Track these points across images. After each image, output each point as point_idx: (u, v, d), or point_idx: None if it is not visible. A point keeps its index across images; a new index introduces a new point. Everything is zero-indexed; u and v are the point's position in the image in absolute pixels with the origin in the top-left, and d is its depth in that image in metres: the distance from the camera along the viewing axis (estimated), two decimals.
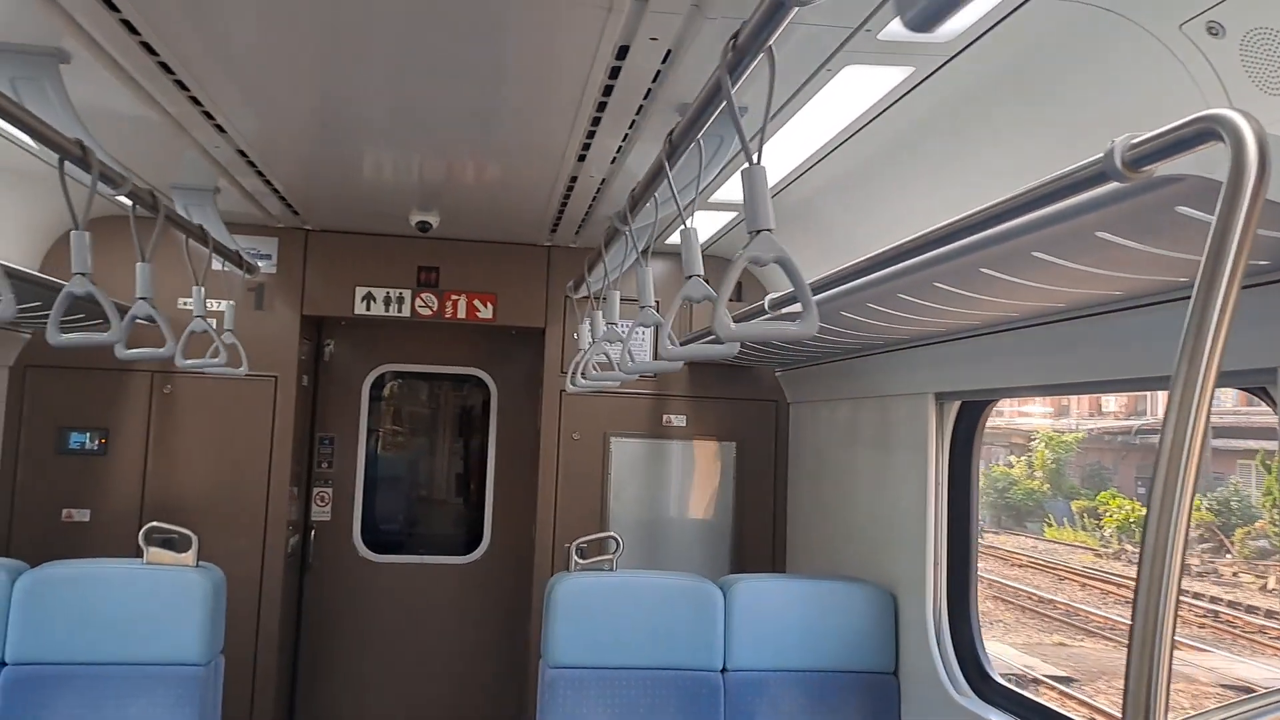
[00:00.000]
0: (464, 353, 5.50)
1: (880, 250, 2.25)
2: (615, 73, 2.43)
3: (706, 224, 4.23)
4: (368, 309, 4.87)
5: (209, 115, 2.88)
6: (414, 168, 3.61)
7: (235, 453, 4.67)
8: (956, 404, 3.48)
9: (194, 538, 3.49)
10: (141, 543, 3.49)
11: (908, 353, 3.59)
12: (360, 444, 5.38)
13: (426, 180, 3.77)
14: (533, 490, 5.09)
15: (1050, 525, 22.55)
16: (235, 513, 4.64)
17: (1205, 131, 1.10)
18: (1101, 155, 1.34)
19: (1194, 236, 1.61)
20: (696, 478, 5.07)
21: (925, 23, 1.13)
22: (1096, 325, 2.53)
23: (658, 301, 2.85)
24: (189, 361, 3.49)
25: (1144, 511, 0.93)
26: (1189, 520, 0.90)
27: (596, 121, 2.84)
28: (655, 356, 4.77)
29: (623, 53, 2.29)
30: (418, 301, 4.91)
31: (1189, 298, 0.92)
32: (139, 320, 2.81)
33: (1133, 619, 0.90)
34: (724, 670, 3.60)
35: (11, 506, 4.46)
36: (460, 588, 5.43)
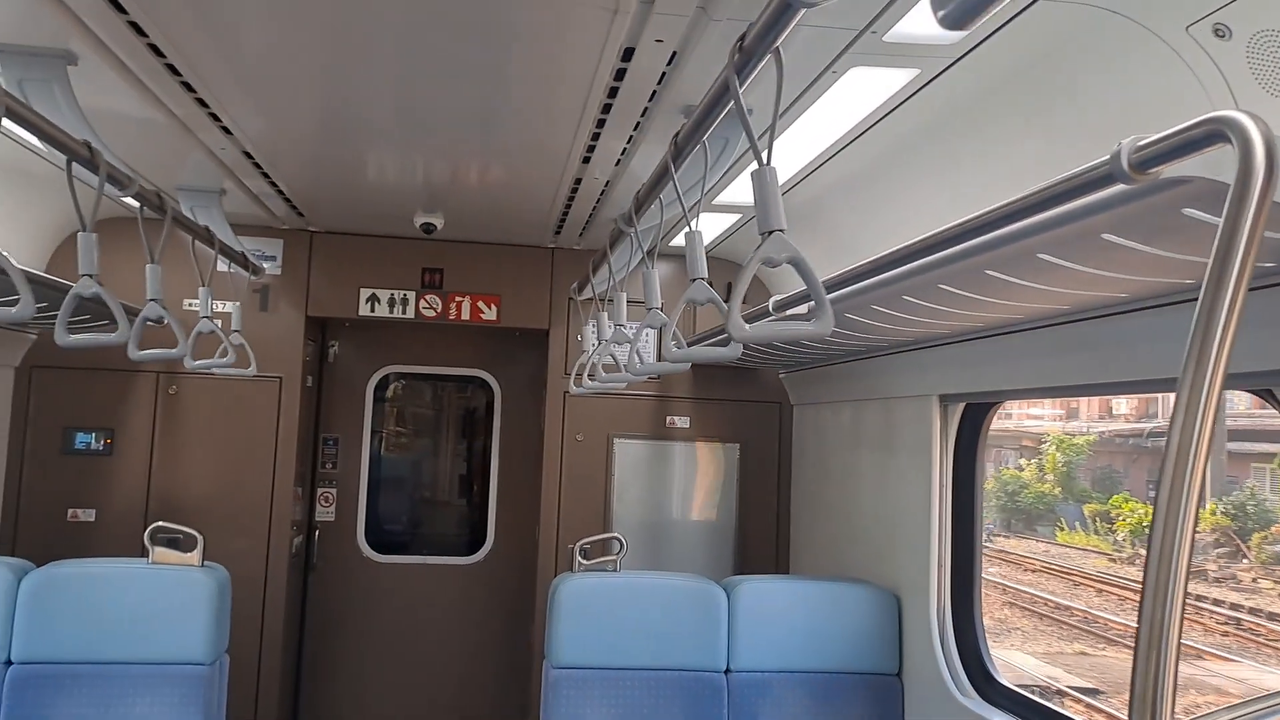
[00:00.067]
0: (468, 354, 5.51)
1: (885, 252, 2.26)
2: (620, 75, 2.43)
3: (711, 226, 4.23)
4: (372, 310, 4.88)
5: (215, 117, 2.89)
6: (419, 169, 3.62)
7: (240, 453, 4.68)
8: (961, 406, 3.48)
9: (199, 537, 3.50)
10: (147, 542, 3.50)
11: (912, 354, 3.59)
12: (364, 445, 5.39)
13: (431, 182, 3.78)
14: (536, 491, 5.09)
15: (1062, 529, 22.41)
16: (240, 513, 4.65)
17: (1213, 133, 1.10)
18: (1108, 157, 1.35)
19: (1201, 239, 1.61)
20: (700, 479, 5.07)
21: (960, 20, 1.14)
22: (1102, 327, 2.53)
23: (662, 303, 2.85)
24: (198, 362, 3.50)
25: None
26: (1195, 522, 0.90)
27: (601, 124, 2.84)
28: (659, 358, 4.78)
29: (628, 55, 2.30)
30: (422, 303, 4.91)
31: (1195, 300, 0.92)
32: (149, 321, 2.82)
33: (1139, 620, 0.91)
34: (727, 671, 3.60)
35: (17, 506, 4.47)
36: (464, 588, 5.43)
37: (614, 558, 3.74)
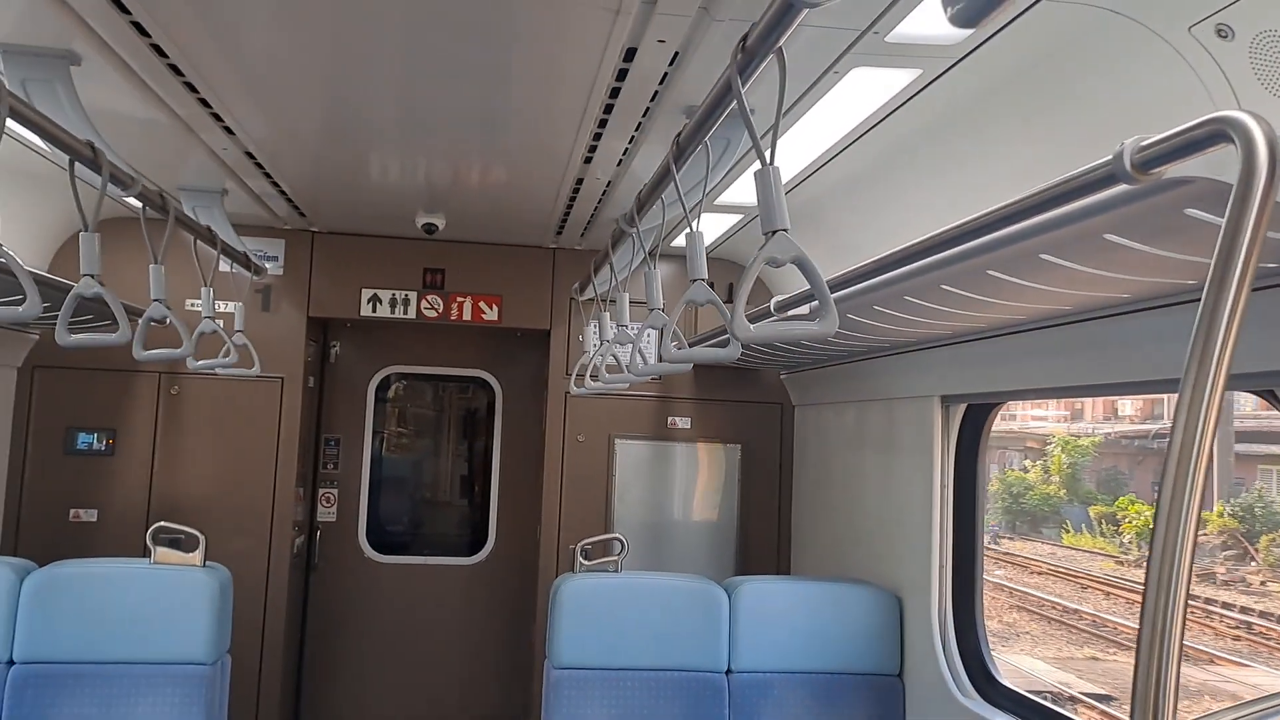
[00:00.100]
0: (469, 354, 5.51)
1: (887, 252, 2.25)
2: (622, 75, 2.43)
3: (713, 226, 4.23)
4: (374, 311, 4.88)
5: (217, 117, 2.89)
6: (420, 170, 3.62)
7: (242, 453, 4.69)
8: (962, 407, 3.48)
9: (201, 538, 3.50)
10: (149, 542, 3.50)
11: (913, 355, 3.59)
12: (366, 445, 5.39)
13: (432, 182, 3.78)
14: (537, 492, 5.09)
15: (1068, 531, 22.31)
16: (242, 513, 4.65)
17: (1215, 133, 1.10)
18: (1110, 157, 1.35)
19: (1203, 239, 1.60)
20: (701, 480, 5.07)
21: (971, 18, 1.14)
22: (1104, 328, 2.53)
23: (664, 304, 2.85)
24: (201, 362, 3.50)
25: None
26: (1198, 522, 0.90)
27: (603, 124, 2.85)
28: (660, 359, 4.78)
29: (630, 55, 2.30)
30: (423, 303, 4.92)
31: (1198, 300, 0.92)
32: (152, 322, 2.82)
33: (1141, 620, 0.91)
34: (729, 672, 3.60)
35: (20, 506, 4.47)
36: (465, 588, 5.43)
37: (615, 558, 3.74)
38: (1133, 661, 0.89)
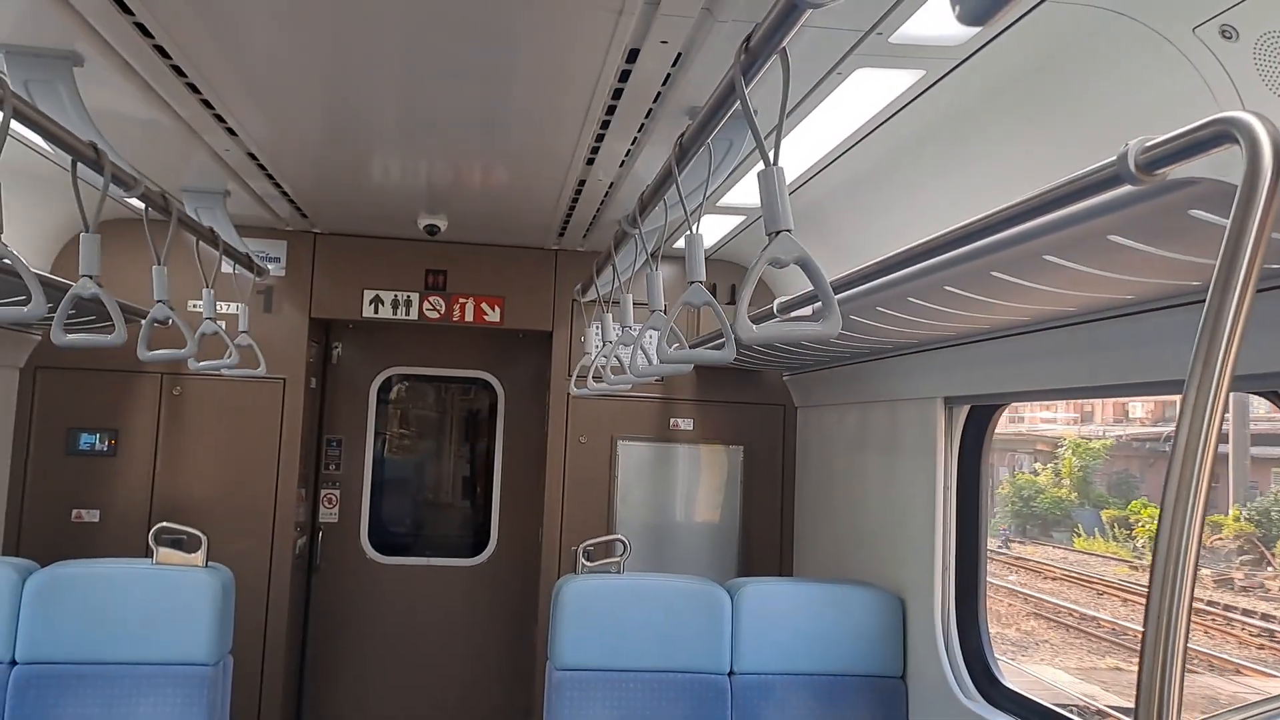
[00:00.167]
0: (471, 356, 5.51)
1: (890, 253, 2.25)
2: (625, 76, 2.43)
3: (714, 227, 4.23)
4: (375, 312, 4.88)
5: (220, 119, 2.89)
6: (422, 171, 3.62)
7: (244, 454, 4.69)
8: (965, 408, 3.47)
9: (203, 538, 3.50)
10: (151, 543, 3.51)
11: (916, 357, 3.59)
12: (368, 446, 5.39)
13: (435, 184, 3.78)
14: (540, 493, 5.09)
15: (1080, 535, 22.12)
16: (244, 514, 4.65)
17: (1220, 134, 1.10)
18: (1115, 158, 1.34)
19: (1208, 240, 1.60)
20: (704, 481, 5.06)
21: (979, 16, 1.14)
22: (1108, 329, 2.53)
23: (665, 305, 2.85)
24: (205, 363, 3.50)
25: None
26: (1203, 524, 0.90)
27: (605, 125, 2.84)
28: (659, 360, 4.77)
29: (633, 56, 2.30)
30: (425, 304, 4.92)
31: (1202, 302, 0.91)
32: (155, 323, 2.82)
33: (1145, 622, 0.90)
34: (731, 673, 3.60)
35: (22, 507, 4.48)
36: (467, 590, 5.43)
37: (617, 560, 3.73)
38: None
